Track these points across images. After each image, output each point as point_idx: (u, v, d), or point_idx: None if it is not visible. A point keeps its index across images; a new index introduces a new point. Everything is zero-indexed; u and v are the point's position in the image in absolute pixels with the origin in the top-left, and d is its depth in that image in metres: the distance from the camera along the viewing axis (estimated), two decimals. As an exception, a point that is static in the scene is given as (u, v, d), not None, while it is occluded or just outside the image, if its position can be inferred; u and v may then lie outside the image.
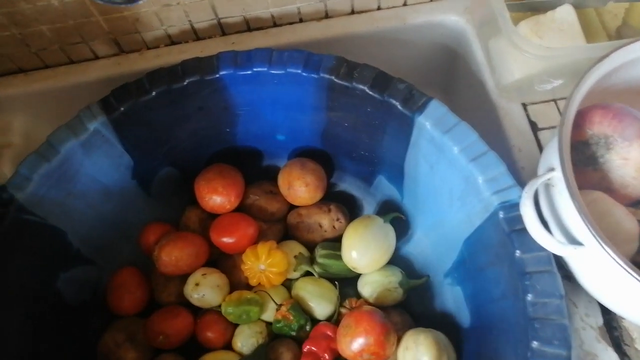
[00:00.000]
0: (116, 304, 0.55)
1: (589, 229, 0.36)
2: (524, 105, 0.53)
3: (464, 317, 0.52)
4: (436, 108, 0.48)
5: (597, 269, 0.39)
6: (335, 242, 0.59)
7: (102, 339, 0.53)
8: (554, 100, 0.52)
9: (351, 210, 0.62)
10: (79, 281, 0.55)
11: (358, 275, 0.58)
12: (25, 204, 0.48)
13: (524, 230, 0.42)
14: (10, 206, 0.47)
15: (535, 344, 0.39)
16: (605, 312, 0.45)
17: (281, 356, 0.52)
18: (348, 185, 0.63)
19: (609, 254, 0.36)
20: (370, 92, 0.50)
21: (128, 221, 0.58)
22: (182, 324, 0.54)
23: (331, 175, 0.62)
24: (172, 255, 0.54)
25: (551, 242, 0.39)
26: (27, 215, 0.48)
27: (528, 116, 0.53)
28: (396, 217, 0.57)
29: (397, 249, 0.58)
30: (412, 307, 0.57)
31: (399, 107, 0.49)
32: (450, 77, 0.66)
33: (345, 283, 0.58)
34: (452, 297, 0.54)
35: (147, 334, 0.54)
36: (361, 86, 0.50)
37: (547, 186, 0.43)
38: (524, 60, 0.47)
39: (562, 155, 0.39)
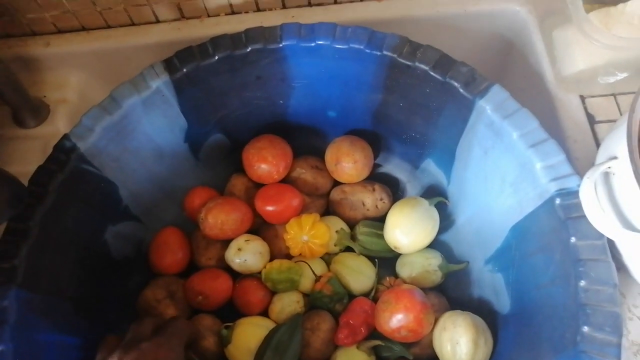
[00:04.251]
0: (157, 262, 0.56)
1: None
2: (582, 98, 0.53)
3: (504, 303, 0.52)
4: (498, 93, 0.48)
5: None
6: (377, 222, 0.59)
7: (143, 294, 0.54)
8: (614, 95, 0.52)
9: (394, 192, 0.62)
10: (125, 236, 0.56)
11: (396, 257, 0.58)
12: (86, 153, 0.49)
13: (580, 218, 0.43)
14: (72, 154, 0.48)
15: (585, 328, 0.39)
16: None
17: (318, 326, 0.53)
18: (393, 167, 0.63)
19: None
20: (432, 73, 0.50)
21: (175, 183, 0.59)
22: (221, 287, 0.55)
23: (377, 156, 0.62)
24: (219, 218, 0.55)
25: (610, 227, 0.39)
26: (86, 165, 0.49)
27: (586, 109, 0.53)
28: (441, 201, 0.58)
29: (437, 233, 0.58)
30: (448, 291, 0.57)
31: (460, 89, 0.49)
32: (504, 68, 0.66)
33: (383, 263, 0.58)
34: (491, 284, 0.54)
35: (186, 293, 0.55)
36: (423, 66, 0.50)
37: (607, 175, 0.43)
38: (591, 50, 0.47)
39: (631, 143, 0.39)
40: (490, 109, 0.48)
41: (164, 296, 0.54)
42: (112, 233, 0.54)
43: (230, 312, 0.56)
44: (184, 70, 0.51)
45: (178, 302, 0.54)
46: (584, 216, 0.42)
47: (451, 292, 0.58)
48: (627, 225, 0.41)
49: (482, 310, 0.53)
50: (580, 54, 0.50)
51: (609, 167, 0.42)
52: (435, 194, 0.59)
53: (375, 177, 0.62)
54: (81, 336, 0.49)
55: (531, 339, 0.46)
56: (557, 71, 0.54)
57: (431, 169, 0.60)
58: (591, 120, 0.52)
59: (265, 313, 0.56)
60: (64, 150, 0.48)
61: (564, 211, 0.44)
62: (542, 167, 0.45)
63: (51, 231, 0.47)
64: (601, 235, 0.42)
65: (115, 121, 0.50)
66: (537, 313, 0.46)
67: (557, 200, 0.44)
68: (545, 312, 0.45)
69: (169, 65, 0.51)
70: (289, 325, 0.53)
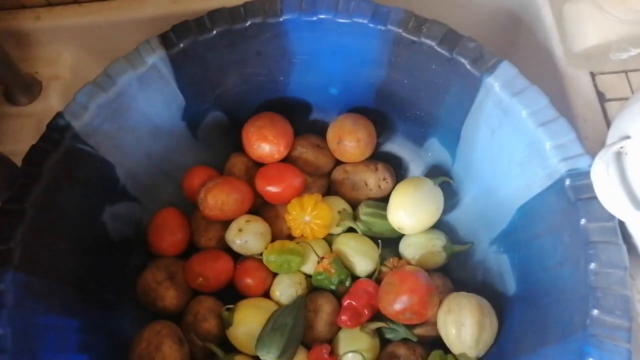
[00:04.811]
0: (156, 243, 0.55)
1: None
2: (592, 75, 0.52)
3: (509, 285, 0.51)
4: (507, 69, 0.47)
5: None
6: (379, 202, 0.58)
7: (142, 276, 0.53)
8: (625, 72, 0.50)
9: (397, 171, 0.61)
10: (123, 217, 0.55)
11: (399, 237, 0.57)
12: (80, 132, 0.47)
13: (590, 200, 0.42)
14: (66, 133, 0.46)
15: (595, 312, 0.38)
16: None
17: (320, 308, 0.52)
18: (396, 145, 0.62)
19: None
20: (439, 49, 0.48)
21: (174, 162, 0.57)
22: (222, 268, 0.54)
23: (380, 134, 0.61)
24: (219, 198, 0.53)
25: (623, 208, 0.38)
26: (81, 144, 0.48)
27: (596, 86, 0.51)
28: (446, 181, 0.56)
29: (442, 214, 0.57)
30: (452, 273, 0.57)
31: (468, 66, 0.48)
32: (511, 44, 0.64)
33: (386, 243, 0.57)
34: (496, 265, 0.53)
35: (186, 275, 0.54)
36: (429, 41, 0.48)
37: (619, 155, 0.42)
38: (605, 24, 0.45)
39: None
40: (499, 86, 0.46)
41: (164, 278, 0.53)
42: (109, 214, 0.53)
43: (232, 294, 0.55)
44: (181, 45, 0.49)
45: (178, 284, 0.53)
46: (595, 197, 0.41)
47: (455, 273, 0.57)
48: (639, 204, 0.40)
49: (487, 291, 0.53)
50: (593, 28, 0.48)
51: (622, 147, 0.41)
52: (439, 174, 0.58)
53: (378, 156, 0.61)
54: (80, 318, 0.48)
55: (538, 322, 0.45)
56: (567, 47, 0.52)
57: (436, 148, 0.58)
58: (601, 98, 0.51)
59: (267, 295, 0.55)
60: (57, 129, 0.46)
61: (574, 192, 0.43)
62: (552, 147, 0.44)
63: (47, 212, 0.46)
64: (612, 217, 0.41)
65: (110, 99, 0.48)
66: (544, 295, 0.46)
67: (567, 181, 0.43)
68: (553, 295, 0.44)
69: (165, 40, 0.49)
70: (292, 307, 0.52)
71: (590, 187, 0.42)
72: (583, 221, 0.41)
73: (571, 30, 0.51)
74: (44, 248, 0.45)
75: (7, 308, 0.41)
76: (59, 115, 0.46)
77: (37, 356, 0.42)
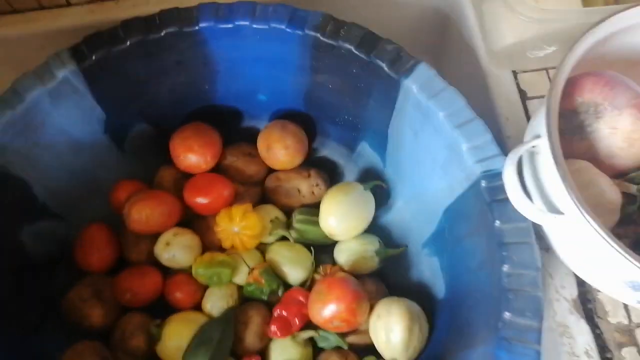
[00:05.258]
0: (84, 261, 0.54)
1: (570, 196, 0.35)
2: (515, 73, 0.51)
3: (439, 288, 0.51)
4: (424, 71, 0.46)
5: (575, 239, 0.38)
6: (313, 208, 0.57)
7: (67, 295, 0.52)
8: (546, 69, 0.50)
9: (332, 177, 0.61)
10: (46, 236, 0.53)
11: (335, 243, 0.57)
12: (-14, 151, 0.46)
13: (505, 201, 0.41)
14: (-32, 152, 0.44)
15: (507, 314, 0.38)
16: (581, 284, 0.44)
17: (250, 319, 0.51)
18: (330, 151, 0.61)
19: (589, 223, 0.35)
20: (357, 52, 0.48)
21: (99, 177, 0.56)
22: (150, 283, 0.53)
23: (313, 140, 0.60)
24: (143, 213, 0.52)
25: (531, 210, 0.38)
26: (-11, 162, 0.46)
27: (518, 84, 0.51)
28: (377, 185, 0.56)
29: (376, 218, 0.57)
30: (388, 277, 0.56)
31: (386, 68, 0.47)
32: (442, 42, 0.64)
33: (322, 250, 0.56)
34: (428, 268, 0.53)
35: (114, 291, 0.52)
36: (347, 45, 0.48)
37: (532, 154, 0.41)
38: (517, 23, 0.45)
39: (549, 121, 0.37)
40: (417, 89, 0.46)
41: (90, 295, 0.52)
42: (29, 233, 0.51)
43: (164, 308, 0.54)
44: (94, 57, 0.48)
45: (105, 302, 0.52)
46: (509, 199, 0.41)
47: (391, 277, 0.56)
48: (550, 206, 0.40)
49: (421, 295, 0.52)
50: (507, 27, 0.48)
51: (533, 147, 0.41)
52: (372, 178, 0.57)
53: (313, 162, 0.60)
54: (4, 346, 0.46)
55: (462, 325, 0.45)
56: (489, 45, 0.52)
57: (366, 152, 0.58)
58: (523, 96, 0.51)
59: (199, 308, 0.54)
60: (-40, 148, 0.44)
61: (489, 194, 0.42)
62: (468, 148, 0.44)
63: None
64: (525, 218, 0.41)
65: (18, 115, 0.46)
66: (467, 298, 0.45)
67: (483, 183, 0.43)
68: (473, 297, 0.44)
69: (76, 52, 0.48)
70: (221, 320, 0.51)
71: (504, 189, 0.41)
72: (497, 223, 0.41)
73: (490, 29, 0.51)
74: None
75: None
76: (-38, 134, 0.44)
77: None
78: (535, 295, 0.38)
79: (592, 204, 0.37)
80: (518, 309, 0.38)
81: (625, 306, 0.43)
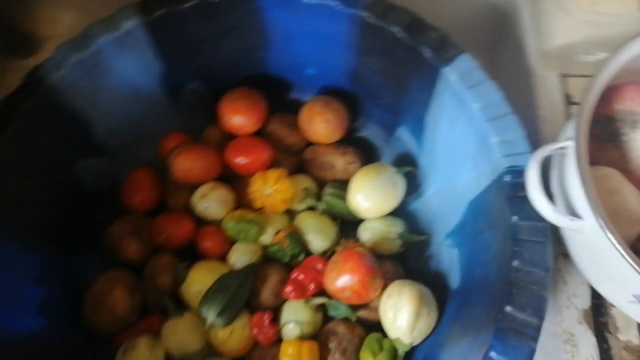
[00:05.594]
0: (128, 200, 0.58)
1: (587, 200, 0.35)
2: (562, 77, 0.51)
3: (454, 279, 0.51)
4: (465, 62, 0.47)
5: (590, 246, 0.38)
6: (344, 184, 0.59)
7: (109, 228, 0.57)
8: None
9: (369, 158, 0.62)
10: (98, 171, 0.58)
11: (361, 221, 0.58)
12: (57, 86, 0.50)
13: (525, 198, 0.41)
14: (42, 85, 0.49)
15: (508, 308, 0.39)
16: (595, 297, 0.44)
17: (269, 277, 0.54)
18: (370, 132, 0.62)
19: (604, 231, 0.35)
20: (402, 36, 0.49)
21: (151, 126, 0.60)
22: (183, 228, 0.57)
23: (355, 120, 0.62)
24: (185, 163, 0.56)
25: (548, 209, 0.38)
26: (56, 97, 0.51)
27: (564, 88, 0.50)
28: (410, 171, 0.57)
29: (405, 204, 0.58)
30: (407, 262, 0.57)
31: (428, 55, 0.48)
32: (496, 39, 0.63)
33: (348, 226, 0.58)
34: (447, 259, 0.53)
35: (151, 231, 0.57)
36: (393, 28, 0.49)
37: (562, 157, 0.41)
38: (570, 25, 0.44)
39: (580, 123, 0.37)
40: (455, 78, 0.47)
41: (128, 231, 0.56)
42: (84, 166, 0.56)
43: (192, 255, 0.57)
44: (158, 13, 0.52)
45: (141, 240, 0.56)
46: (530, 196, 0.41)
47: (410, 262, 0.57)
48: (570, 210, 0.39)
49: (437, 284, 0.53)
50: (559, 28, 0.47)
51: (562, 148, 0.40)
52: (407, 164, 0.58)
53: (352, 141, 0.62)
54: (43, 255, 0.51)
55: (466, 316, 0.46)
56: (540, 45, 0.51)
57: (404, 137, 0.59)
58: (567, 100, 0.50)
59: (224, 259, 0.57)
60: (34, 81, 0.49)
61: (511, 189, 0.43)
62: (498, 142, 0.44)
63: (18, 157, 0.49)
64: (544, 218, 0.41)
65: (86, 57, 0.51)
66: (476, 290, 0.46)
67: (507, 177, 0.43)
68: (481, 290, 0.45)
69: (143, 7, 0.52)
70: (241, 272, 0.54)
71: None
72: (515, 218, 0.41)
73: (543, 28, 0.50)
74: (12, 187, 0.49)
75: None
76: (36, 68, 0.49)
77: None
78: (540, 294, 0.39)
79: (612, 213, 0.36)
80: (520, 304, 0.39)
81: (639, 326, 0.42)
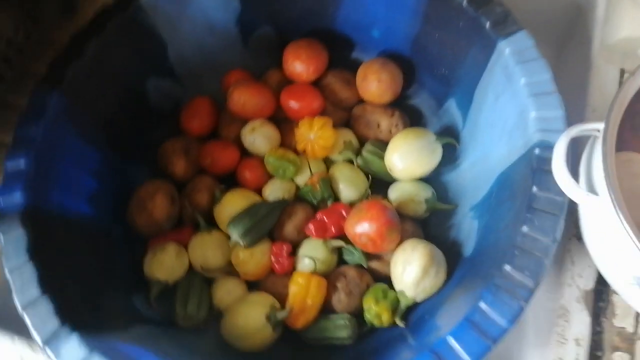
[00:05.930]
0: (186, 123, 0.64)
1: (605, 175, 0.36)
2: (622, 72, 0.50)
3: (468, 248, 0.52)
4: (522, 38, 0.48)
5: (602, 225, 0.39)
6: (385, 145, 0.61)
7: (164, 142, 0.62)
8: (654, 75, 0.48)
9: (414, 126, 0.63)
10: (164, 91, 0.63)
11: (392, 183, 0.60)
12: (146, 6, 0.56)
13: (549, 173, 0.42)
14: (134, 3, 0.55)
15: (507, 267, 0.40)
16: (600, 282, 0.44)
17: (295, 213, 0.58)
18: (420, 101, 0.64)
19: (614, 207, 0.35)
20: (466, 6, 0.51)
21: (220, 60, 0.65)
22: (228, 156, 0.61)
23: (409, 87, 0.64)
24: (242, 97, 0.61)
25: (569, 182, 0.39)
26: (143, 16, 0.56)
27: (620, 83, 0.50)
28: (450, 142, 0.58)
29: (439, 174, 0.60)
30: (428, 228, 0.59)
31: (487, 27, 0.50)
32: (568, 32, 0.63)
33: (380, 187, 0.60)
34: (467, 230, 0.55)
35: (200, 153, 0.62)
36: (459, -2, 0.51)
37: (594, 141, 0.42)
38: (636, 17, 0.44)
39: (614, 102, 0.38)
40: (509, 52, 0.48)
41: (179, 149, 0.61)
42: (153, 84, 0.62)
43: (232, 182, 0.62)
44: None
45: (189, 159, 0.61)
46: (555, 171, 0.42)
47: (432, 229, 0.59)
48: (590, 188, 0.40)
49: (452, 252, 0.54)
50: (627, 21, 0.47)
51: (594, 130, 0.41)
52: (449, 136, 0.60)
53: (402, 108, 0.64)
54: (102, 154, 0.57)
55: (469, 277, 0.47)
56: (605, 38, 0.51)
57: (452, 109, 0.60)
58: (620, 95, 0.49)
59: (259, 192, 0.61)
60: (127, -1, 0.55)
61: (537, 162, 0.44)
62: (535, 117, 0.45)
63: (100, 62, 0.55)
64: (564, 194, 0.41)
65: (173, -15, 0.56)
66: (483, 255, 0.47)
67: (536, 151, 0.44)
68: (488, 254, 0.46)
69: (233, -56, 0.56)
70: (271, 204, 0.58)
71: (553, 160, 0.42)
72: (535, 189, 0.42)
73: (611, 21, 0.50)
74: (91, 88, 0.55)
75: (45, 117, 0.51)
76: (132, -13, 0.56)
77: (55, 162, 0.51)
78: (542, 261, 0.40)
79: (630, 195, 0.37)
80: (519, 265, 0.40)
81: (637, 315, 0.42)
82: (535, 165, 0.43)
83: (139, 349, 0.44)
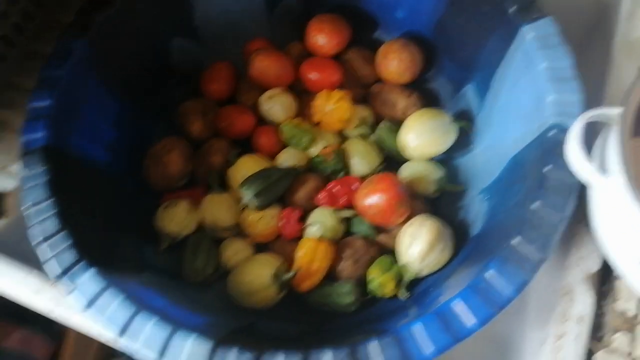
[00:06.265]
0: (206, 86, 0.64)
1: (619, 154, 0.37)
2: (641, 69, 0.51)
3: (476, 228, 0.53)
4: (546, 25, 0.49)
5: (612, 207, 0.40)
6: (400, 125, 0.62)
7: (183, 103, 0.63)
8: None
9: (429, 109, 0.65)
10: (187, 52, 0.64)
11: (404, 162, 0.61)
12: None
13: (562, 154, 0.43)
14: (165, -44, 0.56)
15: (516, 239, 0.41)
16: (604, 268, 0.45)
17: (307, 181, 0.59)
18: (438, 85, 0.65)
19: (628, 186, 0.36)
20: (493, -10, 0.52)
21: (245, 26, 0.66)
22: (245, 121, 0.62)
23: (427, 70, 0.65)
24: (263, 63, 0.61)
25: (582, 162, 0.40)
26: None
27: (637, 80, 0.51)
28: (465, 126, 0.59)
29: (451, 158, 0.61)
30: (437, 209, 0.59)
31: (512, 12, 0.51)
32: (592, 30, 0.64)
33: (392, 166, 0.61)
34: (475, 211, 0.56)
35: (217, 116, 0.63)
36: (486, -19, 0.52)
37: (609, 128, 0.43)
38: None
39: (634, 85, 0.39)
40: (531, 37, 0.49)
41: (198, 110, 0.62)
42: (177, 44, 0.63)
43: (247, 148, 0.63)
44: None
45: (207, 120, 0.62)
46: (568, 152, 0.43)
47: (441, 209, 0.60)
48: (602, 169, 0.41)
49: (459, 231, 0.55)
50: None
51: (611, 115, 0.42)
52: (464, 121, 0.61)
53: (419, 90, 0.65)
54: (121, 106, 0.58)
55: (475, 253, 0.48)
56: (626, 34, 0.52)
57: (468, 96, 0.61)
58: (636, 89, 0.50)
59: (272, 159, 0.62)
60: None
61: (551, 143, 0.45)
62: (552, 101, 0.46)
63: (128, 15, 0.56)
64: (574, 177, 0.43)
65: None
66: (491, 232, 0.48)
67: (551, 132, 0.45)
68: (496, 231, 0.47)
69: None
70: (285, 170, 0.59)
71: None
72: (547, 168, 0.44)
73: (634, 17, 0.51)
74: (115, 39, 0.56)
75: (71, 61, 0.52)
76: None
77: (77, 106, 0.52)
78: (551, 235, 0.41)
79: (641, 178, 0.38)
80: (527, 238, 0.41)
81: (640, 301, 0.43)
82: (548, 146, 0.44)
83: (150, 292, 0.45)
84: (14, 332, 0.82)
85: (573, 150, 0.41)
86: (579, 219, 0.46)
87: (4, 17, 0.52)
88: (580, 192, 0.43)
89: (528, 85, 0.49)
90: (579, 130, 0.41)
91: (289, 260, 0.55)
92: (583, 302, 0.44)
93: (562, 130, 0.44)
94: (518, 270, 0.40)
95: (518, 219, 0.43)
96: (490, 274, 0.40)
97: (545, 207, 0.42)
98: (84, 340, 0.88)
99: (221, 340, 0.39)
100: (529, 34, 0.49)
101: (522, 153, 0.49)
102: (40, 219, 0.44)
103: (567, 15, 0.61)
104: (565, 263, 0.46)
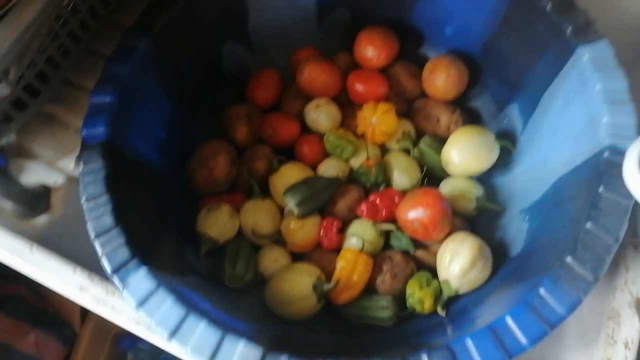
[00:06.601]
0: (252, 92, 0.66)
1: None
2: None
3: (516, 248, 0.53)
4: (603, 47, 0.49)
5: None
6: (443, 141, 0.62)
7: (229, 108, 0.64)
8: None
9: (472, 126, 0.65)
10: (237, 57, 0.65)
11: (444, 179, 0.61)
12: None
13: (618, 176, 0.43)
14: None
15: (569, 258, 0.41)
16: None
17: (348, 193, 0.59)
18: (481, 103, 0.65)
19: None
20: (550, 11, 0.52)
21: (295, 35, 0.67)
22: (289, 129, 0.63)
23: (472, 87, 0.65)
24: (313, 73, 0.62)
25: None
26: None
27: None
28: (507, 145, 0.59)
29: (490, 176, 0.61)
30: (475, 227, 0.59)
31: (568, 33, 0.51)
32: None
33: (432, 180, 0.61)
34: (515, 231, 0.55)
35: (262, 122, 0.64)
36: (544, 2, 0.52)
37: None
38: None
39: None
40: (587, 58, 0.49)
41: (243, 116, 0.63)
42: (229, 48, 0.64)
43: (290, 155, 0.63)
44: None
45: (251, 126, 0.63)
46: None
47: (479, 228, 0.59)
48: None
49: (497, 251, 0.55)
50: None
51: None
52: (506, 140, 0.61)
53: (462, 107, 0.65)
54: (173, 106, 0.59)
55: (520, 271, 0.48)
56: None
57: (513, 115, 0.61)
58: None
59: (315, 168, 0.63)
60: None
61: (606, 164, 0.44)
62: (607, 122, 0.46)
63: (188, 16, 0.57)
64: (631, 197, 0.42)
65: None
66: (536, 253, 0.48)
67: (606, 154, 0.45)
68: (543, 251, 0.47)
69: None
70: (328, 180, 0.59)
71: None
72: (601, 189, 0.43)
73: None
74: (174, 39, 0.57)
75: (134, 59, 0.53)
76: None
77: (135, 104, 0.53)
78: (604, 256, 0.40)
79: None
80: (581, 258, 0.41)
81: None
82: (603, 167, 0.44)
83: (195, 295, 0.45)
84: (29, 334, 0.83)
85: (632, 172, 0.40)
86: (627, 241, 0.46)
87: (74, 12, 0.53)
88: (631, 214, 0.43)
89: (582, 107, 0.49)
90: (636, 153, 0.41)
91: (326, 272, 0.55)
92: (630, 327, 0.43)
93: (617, 152, 0.44)
94: (571, 290, 0.39)
95: (569, 239, 0.43)
96: (544, 292, 0.40)
97: (599, 227, 0.41)
98: (95, 346, 0.90)
99: (270, 346, 0.39)
100: (585, 55, 0.49)
101: (572, 173, 0.49)
102: (97, 214, 0.44)
103: (616, 36, 0.61)
104: (613, 284, 0.45)
